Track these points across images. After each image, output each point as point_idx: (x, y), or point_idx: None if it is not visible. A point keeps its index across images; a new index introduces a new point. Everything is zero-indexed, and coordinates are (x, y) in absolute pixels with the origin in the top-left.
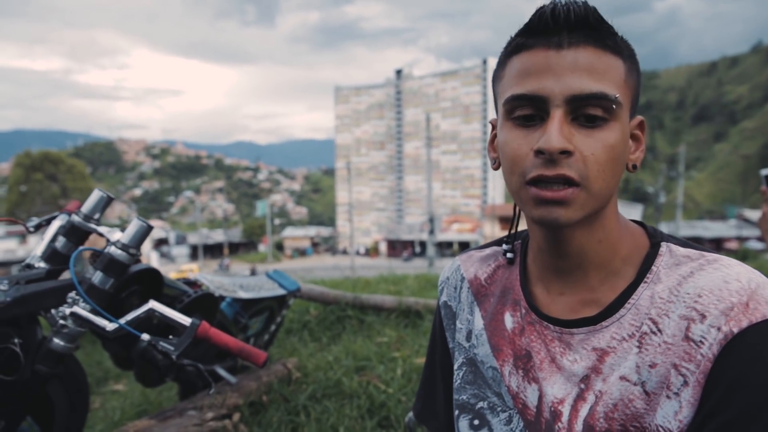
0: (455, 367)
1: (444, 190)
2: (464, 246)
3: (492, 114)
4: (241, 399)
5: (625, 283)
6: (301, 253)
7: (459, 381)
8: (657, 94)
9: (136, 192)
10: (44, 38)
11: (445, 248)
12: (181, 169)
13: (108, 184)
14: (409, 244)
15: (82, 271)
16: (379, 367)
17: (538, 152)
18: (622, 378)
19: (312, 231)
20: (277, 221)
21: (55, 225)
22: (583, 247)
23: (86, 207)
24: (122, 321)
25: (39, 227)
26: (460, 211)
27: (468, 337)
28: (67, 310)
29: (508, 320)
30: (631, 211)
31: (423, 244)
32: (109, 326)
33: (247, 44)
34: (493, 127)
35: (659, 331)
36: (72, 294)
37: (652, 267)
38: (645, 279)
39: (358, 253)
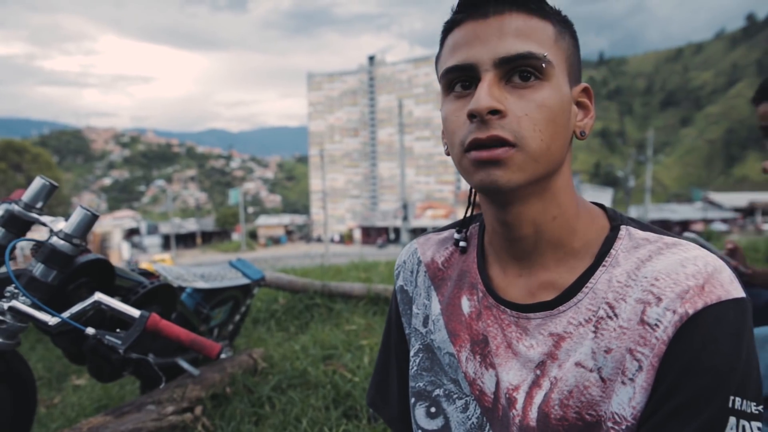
0: (411, 353)
1: (418, 176)
2: None
3: None
4: (203, 391)
5: (584, 266)
6: (275, 241)
7: (415, 368)
8: (626, 80)
9: (106, 181)
10: (3, 22)
11: (419, 234)
12: (152, 157)
13: (76, 173)
14: (384, 230)
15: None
16: (346, 356)
17: (470, 116)
18: (578, 364)
19: (286, 219)
20: (250, 209)
21: None
22: (537, 225)
23: (27, 195)
24: (65, 315)
25: None
26: (434, 197)
27: (425, 323)
28: (5, 305)
29: (465, 304)
30: (602, 195)
31: (397, 231)
32: (51, 321)
33: (218, 30)
34: None
35: (615, 315)
36: (10, 287)
37: (611, 250)
38: (603, 263)
39: (332, 240)
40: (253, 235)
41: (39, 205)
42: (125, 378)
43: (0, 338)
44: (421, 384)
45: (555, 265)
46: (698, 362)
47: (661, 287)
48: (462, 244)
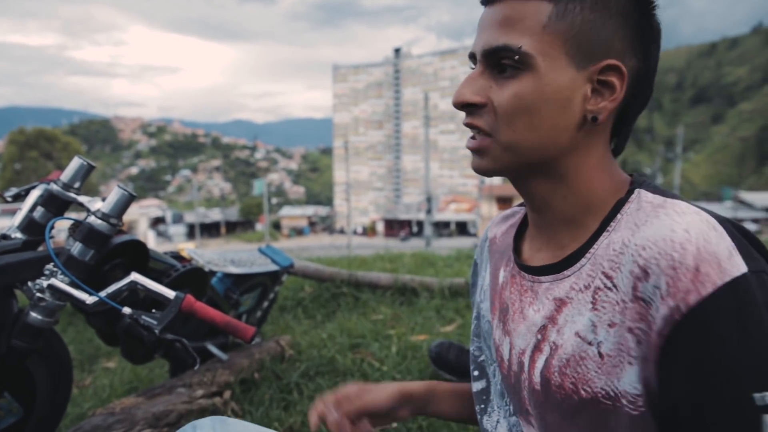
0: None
1: (442, 170)
2: (462, 226)
3: None
4: (232, 376)
5: (589, 233)
6: (299, 232)
7: (471, 334)
8: (656, 76)
9: (133, 170)
10: (37, 13)
11: (442, 228)
12: (178, 147)
13: (104, 162)
14: (407, 223)
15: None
16: (373, 345)
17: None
18: (577, 334)
19: (309, 210)
20: (274, 200)
21: (34, 195)
22: (547, 202)
23: (65, 175)
24: (102, 294)
25: (17, 197)
26: (458, 191)
27: (479, 292)
28: (45, 283)
29: (501, 275)
30: None
31: (420, 224)
32: (89, 299)
33: (245, 21)
34: None
35: (614, 286)
36: (49, 266)
37: (617, 215)
38: (607, 228)
39: (355, 232)
40: (276, 226)
41: (77, 185)
42: (154, 362)
43: (39, 316)
44: (472, 348)
45: (568, 240)
46: (703, 367)
47: (647, 257)
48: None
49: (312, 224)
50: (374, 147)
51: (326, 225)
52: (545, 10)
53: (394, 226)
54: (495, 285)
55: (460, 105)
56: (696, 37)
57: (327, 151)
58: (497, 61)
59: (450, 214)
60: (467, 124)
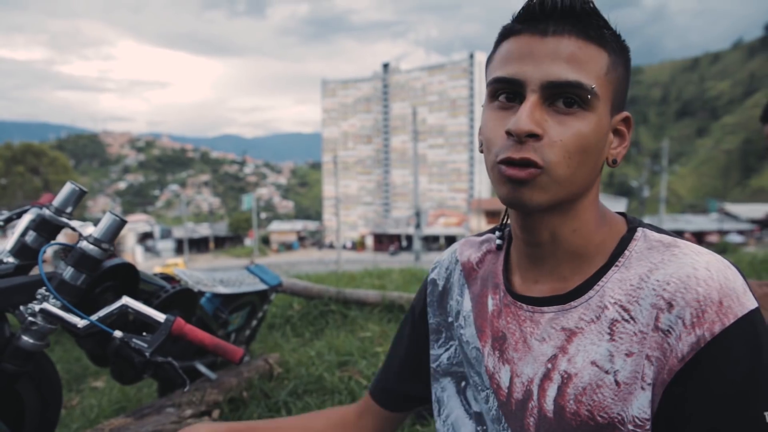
0: (448, 344)
1: (431, 184)
2: (450, 240)
3: (479, 109)
4: (220, 395)
5: (596, 268)
6: (288, 247)
7: (458, 357)
8: (641, 90)
9: (121, 185)
10: (25, 27)
11: (431, 242)
12: (166, 162)
13: (92, 177)
14: (396, 238)
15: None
16: (361, 362)
17: (508, 133)
18: (594, 363)
19: (298, 225)
20: (263, 215)
21: (26, 219)
22: (555, 235)
23: (58, 200)
24: (94, 318)
25: (9, 221)
26: (447, 205)
27: (457, 317)
28: (37, 307)
29: (490, 303)
30: (616, 205)
31: (410, 238)
32: (80, 323)
33: (235, 36)
34: None
35: (632, 319)
36: (41, 290)
37: (625, 251)
38: (616, 263)
39: (344, 247)
40: (265, 241)
41: (69, 209)
42: (143, 381)
43: (31, 339)
44: (461, 370)
45: (570, 273)
46: (720, 387)
47: (672, 291)
48: (498, 242)
49: (301, 239)
50: (363, 161)
51: (315, 239)
52: (604, 58)
53: (384, 241)
54: (482, 312)
55: (523, 135)
56: (679, 52)
57: (316, 166)
58: (559, 95)
59: (439, 228)
60: (522, 159)
